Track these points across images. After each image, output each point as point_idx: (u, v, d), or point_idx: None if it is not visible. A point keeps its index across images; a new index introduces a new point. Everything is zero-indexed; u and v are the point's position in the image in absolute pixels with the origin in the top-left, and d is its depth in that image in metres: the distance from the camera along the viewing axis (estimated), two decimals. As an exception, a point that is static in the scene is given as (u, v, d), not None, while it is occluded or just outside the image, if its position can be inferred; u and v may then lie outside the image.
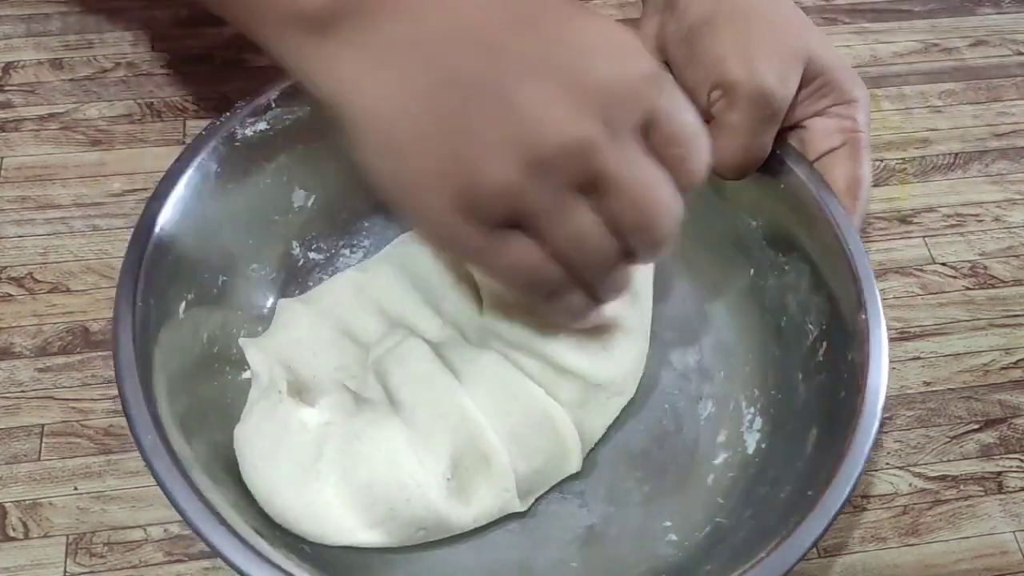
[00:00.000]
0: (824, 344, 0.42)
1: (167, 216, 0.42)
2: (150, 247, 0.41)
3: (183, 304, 0.42)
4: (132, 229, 0.42)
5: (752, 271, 0.47)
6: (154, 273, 0.41)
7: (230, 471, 0.40)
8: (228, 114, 0.45)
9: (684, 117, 0.33)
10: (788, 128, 0.45)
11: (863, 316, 0.40)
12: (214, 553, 0.35)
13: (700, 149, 0.34)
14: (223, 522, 0.35)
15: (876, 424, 0.37)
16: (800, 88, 0.43)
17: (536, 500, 0.43)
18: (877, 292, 0.41)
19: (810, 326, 0.43)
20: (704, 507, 0.43)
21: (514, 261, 0.34)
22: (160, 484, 0.36)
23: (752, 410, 0.45)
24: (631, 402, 0.45)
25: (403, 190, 0.33)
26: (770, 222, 0.46)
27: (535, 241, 0.33)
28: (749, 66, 0.41)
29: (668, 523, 0.43)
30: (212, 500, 0.36)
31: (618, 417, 0.44)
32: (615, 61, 0.32)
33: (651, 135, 0.33)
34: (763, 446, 0.44)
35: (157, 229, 0.42)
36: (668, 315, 0.48)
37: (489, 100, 0.31)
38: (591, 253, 0.34)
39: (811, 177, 0.44)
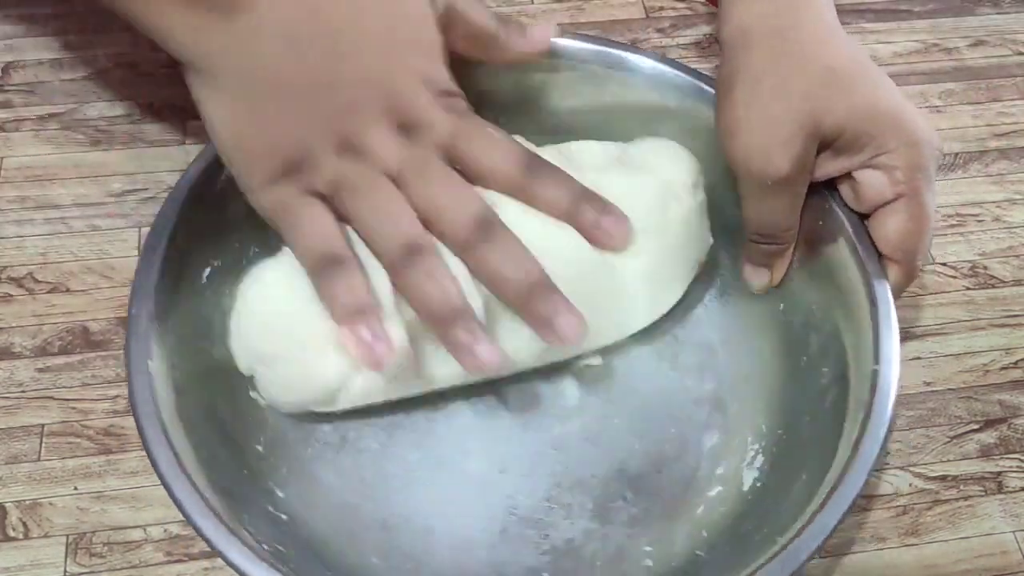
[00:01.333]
0: (835, 390, 0.41)
1: (206, 180, 0.43)
2: (181, 210, 0.42)
3: (208, 270, 0.42)
4: (134, 228, 0.42)
5: (782, 305, 0.46)
6: (182, 235, 0.41)
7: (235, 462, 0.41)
8: None
9: (477, 144, 0.40)
10: (840, 179, 0.44)
11: (875, 368, 0.39)
12: (215, 553, 0.35)
13: (498, 162, 0.40)
14: (225, 524, 0.35)
15: (859, 486, 0.36)
16: (826, 147, 0.42)
17: (523, 506, 0.43)
18: (896, 348, 0.40)
19: (825, 369, 0.43)
20: (687, 537, 0.42)
21: (311, 225, 0.38)
22: (161, 479, 0.36)
23: (756, 447, 0.44)
24: (639, 421, 0.45)
25: (240, 150, 0.39)
26: (803, 259, 0.45)
27: (334, 215, 0.39)
28: (742, 145, 0.42)
29: (648, 548, 0.42)
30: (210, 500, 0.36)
31: (621, 436, 0.45)
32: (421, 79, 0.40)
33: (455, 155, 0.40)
34: (758, 485, 0.43)
35: (194, 189, 0.42)
36: (691, 340, 0.48)
37: (323, 89, 0.38)
38: (386, 229, 0.38)
39: (851, 221, 0.43)
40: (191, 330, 0.41)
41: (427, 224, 0.38)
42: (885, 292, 0.41)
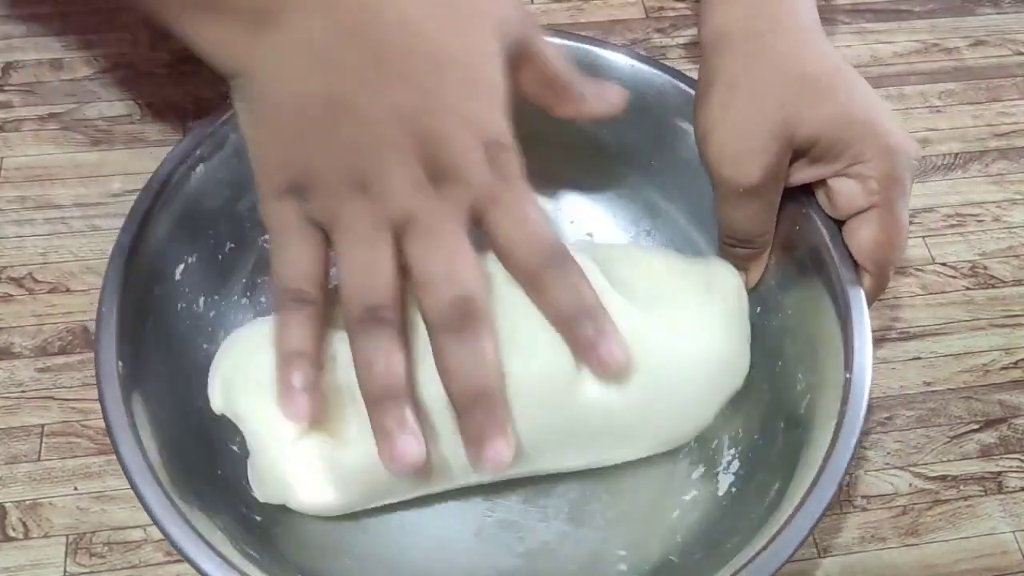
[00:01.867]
0: (808, 397, 0.41)
1: (182, 172, 0.42)
2: (154, 206, 0.41)
3: (182, 266, 0.42)
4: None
5: (759, 308, 0.46)
6: (153, 230, 0.41)
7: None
8: None
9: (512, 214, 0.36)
10: (815, 185, 0.43)
11: (847, 376, 0.39)
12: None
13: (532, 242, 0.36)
14: (193, 528, 0.35)
15: (829, 498, 0.36)
16: (801, 155, 0.41)
17: (499, 507, 0.43)
18: (869, 356, 0.39)
19: (800, 375, 0.42)
20: (661, 541, 0.42)
21: (295, 256, 0.36)
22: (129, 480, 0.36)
23: (733, 451, 0.44)
24: None
25: (257, 158, 0.37)
26: (780, 263, 0.45)
27: (324, 252, 0.36)
28: (715, 150, 0.41)
29: (622, 552, 0.42)
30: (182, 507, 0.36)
31: None
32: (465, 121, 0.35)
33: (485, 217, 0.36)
34: (733, 490, 0.42)
35: (171, 180, 0.42)
36: None
37: (342, 124, 0.35)
38: (357, 282, 0.35)
39: (827, 226, 0.43)
40: (164, 331, 0.41)
41: (414, 288, 0.35)
42: (859, 299, 0.41)
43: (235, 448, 0.42)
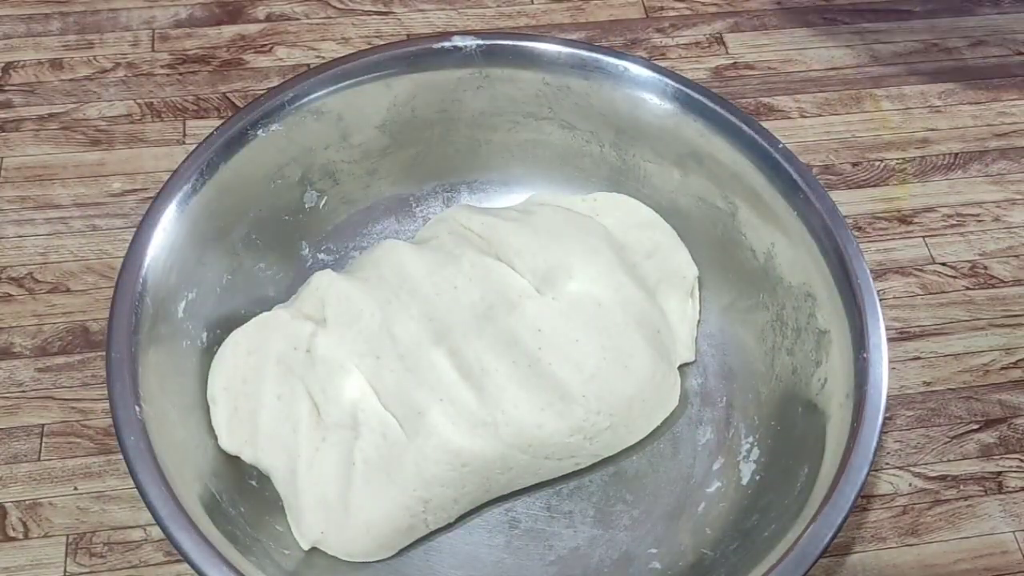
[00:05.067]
0: (825, 380, 0.41)
1: (172, 214, 0.42)
2: (153, 244, 0.41)
3: (183, 303, 0.42)
4: (133, 229, 0.42)
5: (762, 295, 0.46)
6: (155, 270, 0.41)
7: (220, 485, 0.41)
8: (240, 113, 0.45)
9: None
10: None
11: (864, 355, 0.39)
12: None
13: None
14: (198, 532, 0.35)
15: (866, 471, 0.36)
16: None
17: (524, 517, 0.43)
18: (883, 333, 0.40)
19: (812, 358, 0.42)
20: (692, 536, 0.42)
21: None
22: (140, 490, 0.36)
23: (751, 439, 0.44)
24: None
25: None
26: (783, 250, 0.45)
27: None
28: None
29: (654, 550, 0.42)
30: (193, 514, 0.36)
31: None
32: None
33: None
34: (757, 478, 0.43)
35: (161, 226, 0.42)
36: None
37: None
38: None
39: (827, 209, 0.43)
40: (172, 368, 0.41)
41: None
42: (868, 280, 0.41)
43: (253, 483, 0.42)
